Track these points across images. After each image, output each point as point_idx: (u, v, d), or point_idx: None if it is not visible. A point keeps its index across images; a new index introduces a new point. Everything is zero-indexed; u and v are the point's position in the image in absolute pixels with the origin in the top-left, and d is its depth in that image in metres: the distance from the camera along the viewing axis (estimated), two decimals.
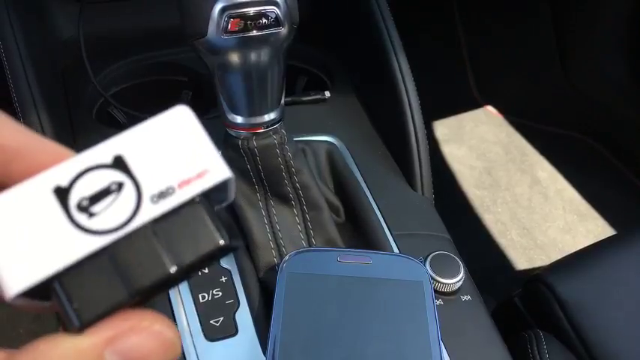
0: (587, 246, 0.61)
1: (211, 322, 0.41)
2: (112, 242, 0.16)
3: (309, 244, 0.46)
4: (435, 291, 0.43)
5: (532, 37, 1.11)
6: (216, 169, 0.17)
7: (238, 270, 0.43)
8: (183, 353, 0.39)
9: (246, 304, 0.42)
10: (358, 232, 0.49)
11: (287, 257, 0.41)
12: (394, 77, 0.55)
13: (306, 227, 0.46)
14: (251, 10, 0.38)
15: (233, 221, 0.46)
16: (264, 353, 0.39)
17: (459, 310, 0.43)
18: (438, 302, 0.43)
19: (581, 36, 1.02)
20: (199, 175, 0.17)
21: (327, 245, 0.46)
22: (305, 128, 0.53)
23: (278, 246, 0.45)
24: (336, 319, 0.38)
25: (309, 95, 0.60)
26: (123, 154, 0.17)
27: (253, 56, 0.40)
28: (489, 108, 1.20)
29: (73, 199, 0.16)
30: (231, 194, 0.18)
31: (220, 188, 0.17)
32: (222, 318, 0.41)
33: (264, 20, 0.39)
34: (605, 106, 1.06)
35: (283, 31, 0.39)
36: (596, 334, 0.53)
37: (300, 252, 0.41)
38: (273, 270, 0.44)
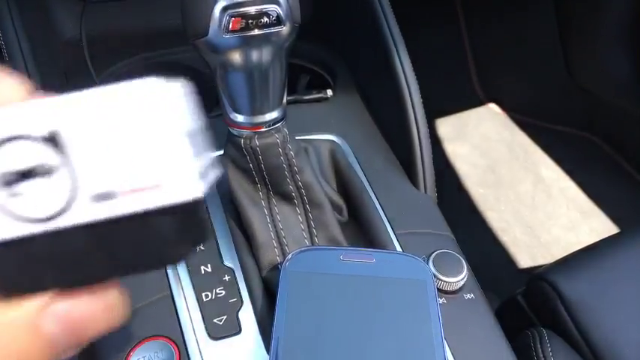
0: (591, 244, 0.60)
1: (215, 320, 0.41)
2: (36, 233, 0.13)
3: (312, 243, 0.46)
4: (438, 289, 0.43)
5: (535, 34, 1.10)
6: (174, 187, 0.12)
7: (241, 269, 0.44)
8: (187, 352, 0.39)
9: (249, 303, 0.42)
10: (361, 231, 0.49)
11: (290, 256, 0.40)
12: (396, 75, 0.55)
13: (308, 226, 0.46)
14: (252, 9, 0.38)
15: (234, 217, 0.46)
16: (268, 352, 0.39)
17: (462, 309, 0.43)
18: (441, 301, 0.43)
19: (585, 33, 1.01)
20: (151, 188, 0.12)
21: (329, 244, 0.46)
22: (307, 127, 0.53)
23: (281, 245, 0.45)
24: (338, 317, 0.38)
25: (312, 94, 0.60)
26: (60, 129, 0.12)
27: (255, 55, 0.40)
28: (492, 106, 1.20)
29: None
30: (205, 232, 0.15)
31: (185, 206, 0.13)
32: (225, 317, 0.41)
33: (266, 19, 0.39)
34: (609, 104, 1.05)
35: (285, 29, 0.39)
36: (599, 332, 0.52)
37: (302, 251, 0.41)
38: (276, 269, 0.44)
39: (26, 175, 0.13)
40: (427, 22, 1.10)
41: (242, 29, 0.39)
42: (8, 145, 0.13)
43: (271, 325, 0.38)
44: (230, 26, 0.39)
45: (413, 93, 0.55)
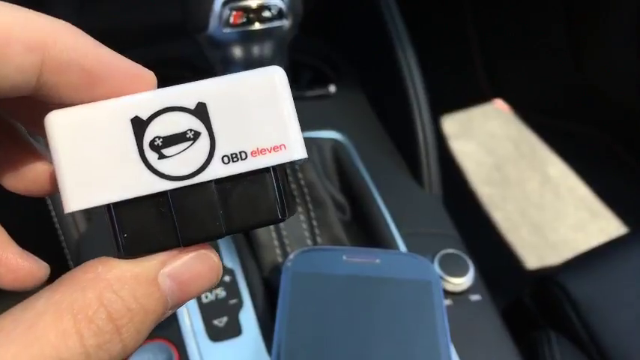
0: (600, 244, 0.60)
1: (215, 322, 0.40)
2: (174, 189, 0.16)
3: (315, 243, 0.45)
4: (444, 290, 0.42)
5: (543, 30, 1.09)
6: (294, 147, 0.16)
7: (242, 269, 0.43)
8: (187, 354, 0.39)
9: (250, 304, 0.41)
10: (365, 231, 0.48)
11: (292, 256, 0.40)
12: (401, 71, 0.54)
13: (311, 226, 0.45)
14: (254, 3, 0.38)
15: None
16: (269, 354, 0.39)
17: (468, 311, 0.43)
18: (447, 302, 0.42)
19: (595, 29, 1.00)
20: (275, 149, 0.16)
21: (332, 244, 0.45)
22: (310, 124, 0.53)
23: (282, 245, 0.44)
24: (342, 319, 0.38)
25: (314, 90, 0.59)
26: (207, 102, 0.16)
27: (256, 50, 0.39)
28: (499, 103, 1.19)
29: (149, 135, 0.16)
30: (300, 163, 0.18)
31: (292, 163, 0.18)
32: (226, 318, 0.40)
33: (267, 13, 0.38)
34: (618, 102, 1.04)
35: (287, 23, 0.38)
36: (608, 334, 0.51)
37: (305, 251, 0.41)
38: (277, 269, 0.43)
39: (174, 139, 0.16)
40: (433, 17, 1.09)
41: (243, 23, 0.38)
42: (163, 116, 0.16)
43: (273, 326, 0.37)
44: (231, 20, 0.38)
45: (418, 89, 0.54)
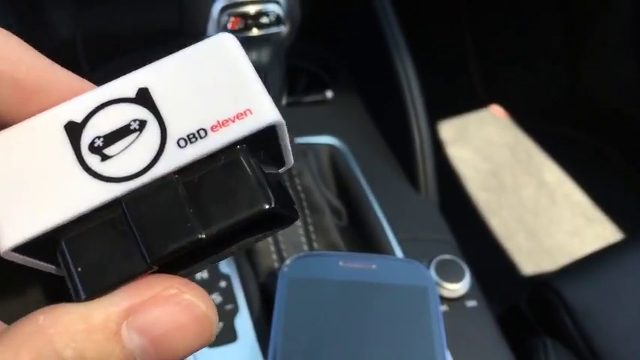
0: (596, 250, 0.60)
1: None
2: (127, 193, 0.13)
3: (311, 248, 0.45)
4: (440, 296, 0.42)
5: (540, 36, 1.09)
6: (262, 110, 0.13)
7: (238, 275, 0.43)
8: None
9: (246, 310, 0.41)
10: (361, 236, 0.48)
11: (288, 261, 0.40)
12: (397, 77, 0.54)
13: (307, 231, 0.45)
14: (252, 9, 0.38)
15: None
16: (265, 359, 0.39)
17: (464, 317, 0.43)
18: (443, 308, 0.42)
19: (591, 35, 1.01)
20: (239, 117, 0.13)
21: (329, 249, 0.45)
22: (306, 130, 0.53)
23: (279, 250, 0.44)
24: (338, 325, 0.37)
25: (311, 96, 0.59)
26: (149, 86, 0.14)
27: (253, 56, 0.39)
28: (495, 108, 1.19)
29: (86, 137, 0.14)
30: (289, 155, 0.15)
31: (269, 140, 0.14)
32: (221, 324, 0.40)
33: (265, 19, 0.38)
34: (614, 108, 1.04)
35: (284, 30, 0.39)
36: (605, 341, 0.51)
37: (301, 256, 0.40)
38: (273, 274, 0.43)
39: (117, 135, 0.13)
40: (430, 22, 1.09)
41: (241, 29, 0.38)
42: (100, 112, 0.14)
43: (269, 332, 0.37)
44: (229, 26, 0.38)
45: (415, 95, 0.54)
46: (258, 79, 0.14)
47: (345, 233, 0.47)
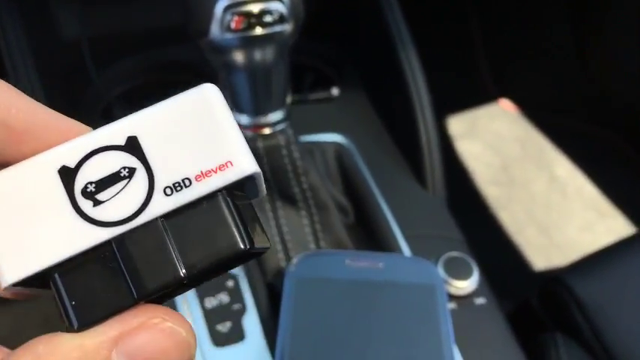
0: (607, 245, 0.59)
1: (218, 327, 0.40)
2: (117, 236, 0.14)
3: (318, 247, 0.45)
4: (448, 294, 0.42)
5: (548, 29, 1.08)
6: (241, 162, 0.15)
7: (245, 274, 0.43)
8: None
9: (253, 309, 0.41)
10: (368, 234, 0.48)
11: (295, 260, 0.40)
12: (403, 73, 0.54)
13: (314, 230, 0.45)
14: (255, 7, 0.38)
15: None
16: (273, 359, 0.39)
17: (473, 314, 0.42)
18: (451, 306, 0.42)
19: (600, 28, 0.99)
20: (221, 168, 0.15)
21: (335, 247, 0.45)
22: (312, 128, 0.52)
23: (285, 249, 0.44)
24: (345, 324, 0.37)
25: (317, 93, 0.59)
26: (138, 135, 0.15)
27: (258, 55, 0.39)
28: (505, 102, 1.18)
29: (79, 182, 0.15)
30: (262, 189, 0.16)
31: (247, 183, 0.16)
32: (229, 323, 0.40)
33: (269, 17, 0.38)
34: (625, 101, 1.03)
35: (288, 28, 0.38)
36: (617, 337, 0.51)
37: (308, 255, 0.40)
38: (281, 274, 0.43)
39: (108, 182, 0.15)
40: (437, 17, 1.08)
41: (244, 28, 0.38)
42: (92, 159, 0.15)
43: (276, 331, 0.37)
44: (232, 25, 0.38)
45: (421, 91, 0.54)
46: (238, 129, 0.15)
47: (351, 231, 0.47)
